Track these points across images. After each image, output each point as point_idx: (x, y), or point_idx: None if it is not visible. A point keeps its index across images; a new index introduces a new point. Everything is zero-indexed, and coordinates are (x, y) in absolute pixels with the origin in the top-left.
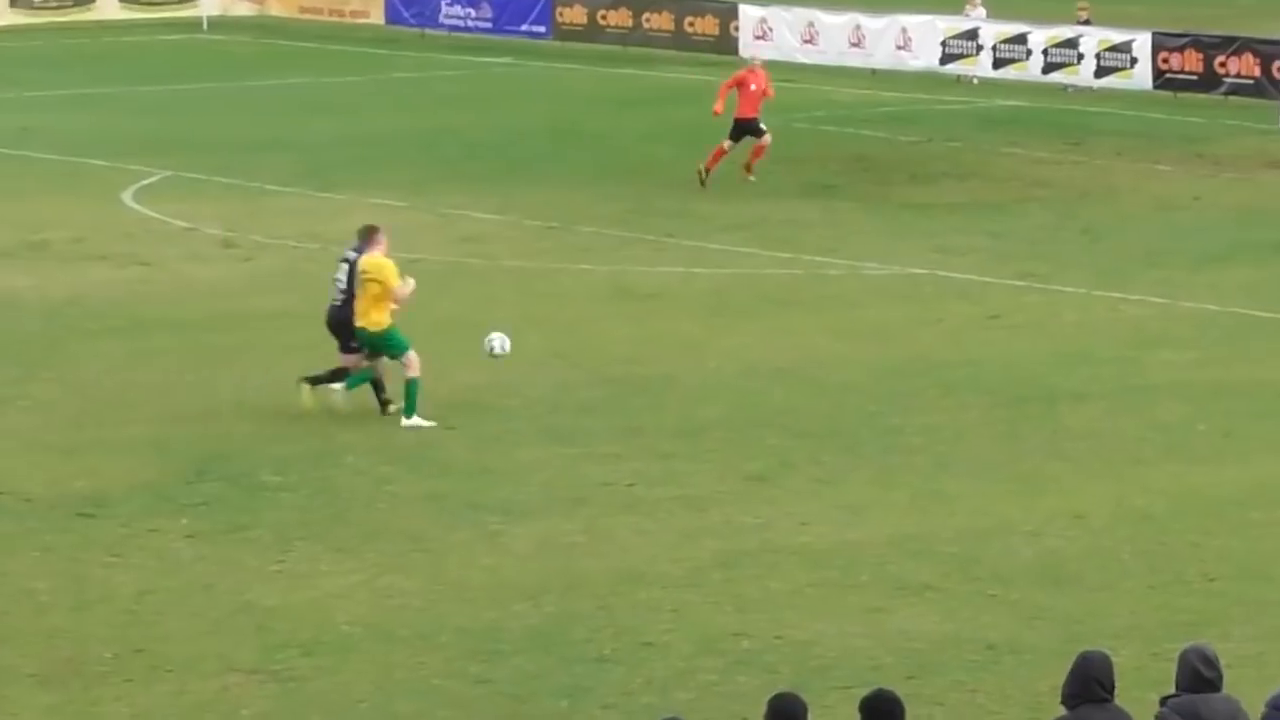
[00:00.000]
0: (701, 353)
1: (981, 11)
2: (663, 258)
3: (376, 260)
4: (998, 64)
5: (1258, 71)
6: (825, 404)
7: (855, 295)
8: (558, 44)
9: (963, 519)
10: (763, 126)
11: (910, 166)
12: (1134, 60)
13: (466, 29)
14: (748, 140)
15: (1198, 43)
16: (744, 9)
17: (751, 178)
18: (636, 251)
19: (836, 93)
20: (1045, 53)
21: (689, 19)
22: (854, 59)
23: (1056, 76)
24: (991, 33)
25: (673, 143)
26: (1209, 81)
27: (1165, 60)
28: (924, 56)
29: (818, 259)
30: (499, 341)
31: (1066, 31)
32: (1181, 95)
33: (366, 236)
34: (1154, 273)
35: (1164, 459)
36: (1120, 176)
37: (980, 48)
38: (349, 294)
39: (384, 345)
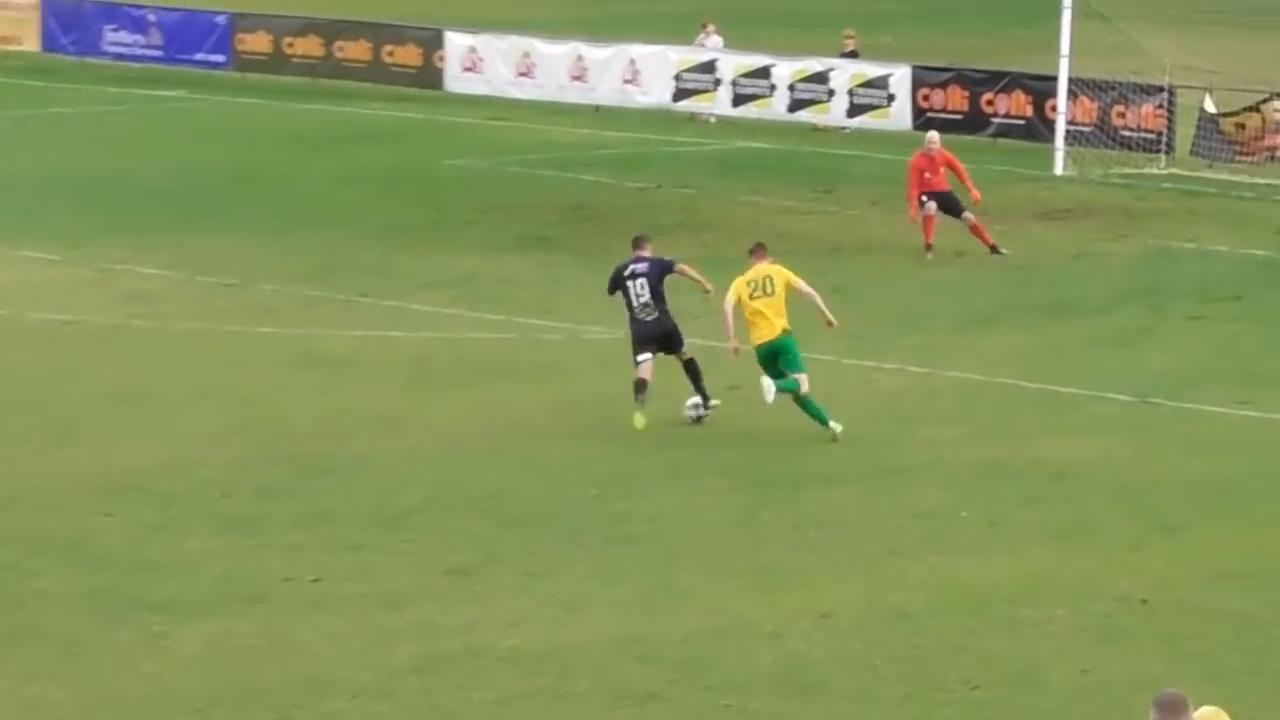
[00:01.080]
0: (400, 428)
1: (717, 40)
2: (357, 319)
3: None
4: (738, 100)
5: (1029, 111)
6: (540, 486)
7: (575, 363)
8: (238, 75)
9: (694, 618)
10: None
11: (638, 217)
12: (891, 97)
13: (134, 58)
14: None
15: (962, 78)
16: (450, 36)
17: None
18: (327, 312)
19: (555, 132)
20: (791, 88)
21: (388, 48)
22: (575, 94)
23: (804, 115)
24: (730, 65)
25: (368, 188)
26: (975, 122)
27: (926, 98)
28: (654, 92)
29: (533, 321)
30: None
31: (815, 64)
32: (945, 136)
33: None
34: (912, 338)
35: (922, 549)
36: (875, 228)
37: (718, 82)
38: None
39: None
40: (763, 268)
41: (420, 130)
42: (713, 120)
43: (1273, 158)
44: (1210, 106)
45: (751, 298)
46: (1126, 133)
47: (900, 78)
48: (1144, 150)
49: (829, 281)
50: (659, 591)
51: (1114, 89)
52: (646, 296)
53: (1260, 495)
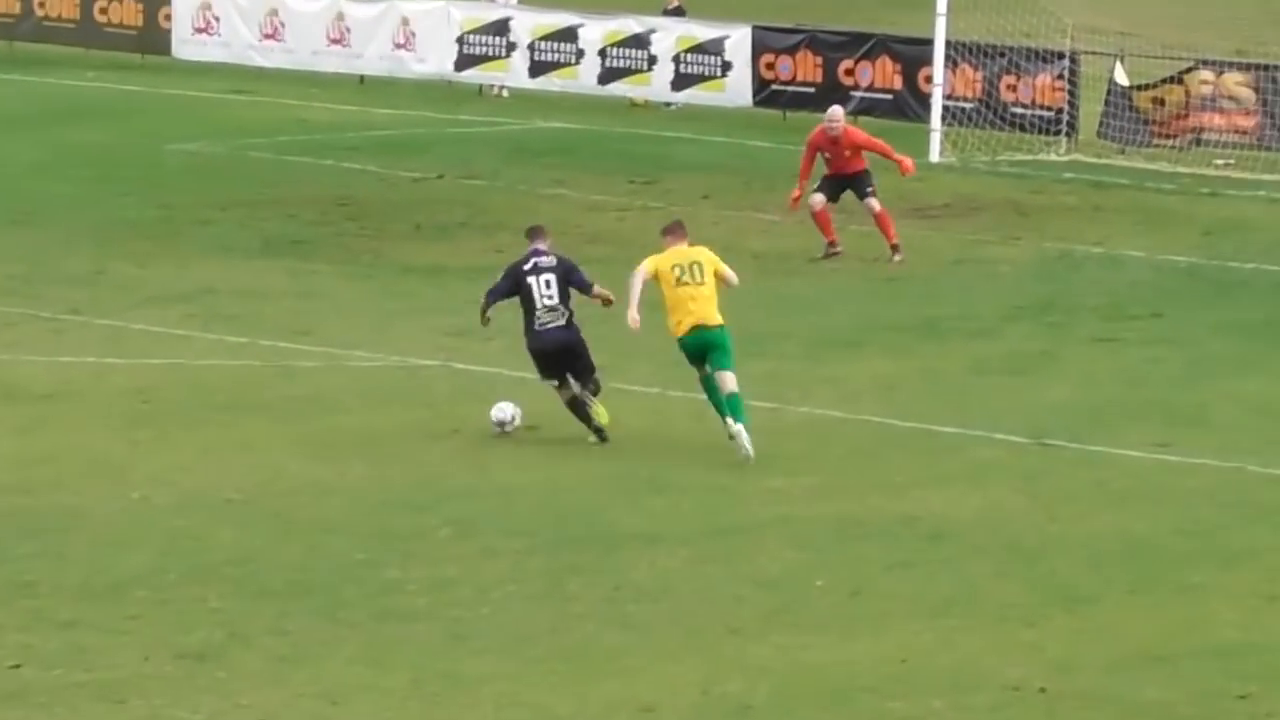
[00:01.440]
0: (120, 478)
1: None
2: (64, 343)
3: None
4: (536, 70)
5: (898, 83)
6: (294, 550)
7: (336, 396)
8: None
9: (486, 712)
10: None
11: (414, 214)
12: (726, 65)
13: None
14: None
15: (815, 42)
16: None
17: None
18: (26, 334)
19: (310, 109)
20: (603, 54)
21: (100, 4)
22: (335, 61)
23: (619, 88)
24: (527, 26)
25: (77, 178)
26: (831, 96)
27: (770, 66)
28: (432, 59)
29: (283, 345)
30: (508, 412)
31: (632, 25)
32: (794, 115)
33: None
34: (756, 365)
35: (767, 627)
36: (709, 228)
37: (511, 46)
38: None
39: None
40: (685, 250)
41: (142, 106)
42: (505, 94)
43: (1198, 141)
44: (1122, 78)
45: (678, 283)
46: (1018, 110)
47: (738, 41)
48: (1040, 131)
49: (653, 294)
50: (442, 679)
51: (1003, 55)
52: (554, 298)
53: (1183, 559)
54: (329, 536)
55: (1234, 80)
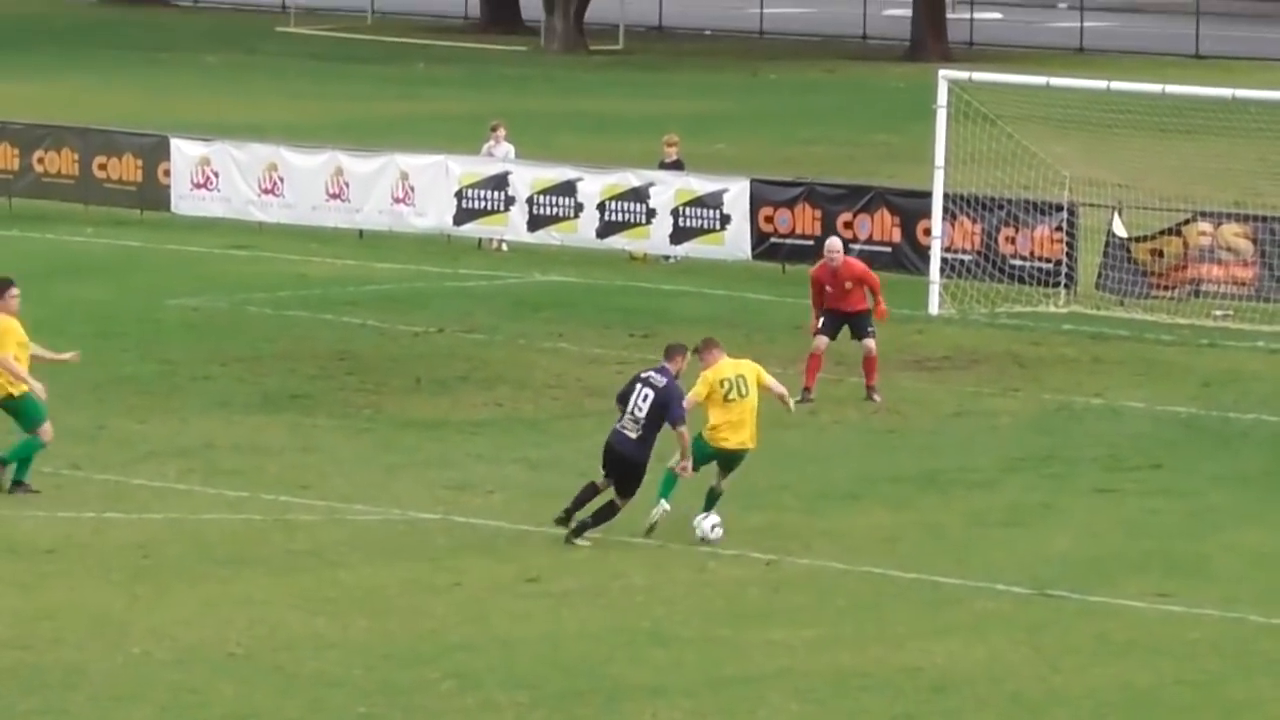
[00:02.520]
0: (121, 632)
1: (508, 148)
2: (64, 498)
3: None
4: (535, 223)
5: (897, 235)
6: (296, 705)
7: (336, 549)
8: None
9: None
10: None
11: (413, 368)
12: (725, 218)
13: None
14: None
15: (814, 195)
16: (177, 145)
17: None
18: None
19: (309, 264)
20: (601, 208)
21: (99, 159)
22: (334, 215)
23: (617, 241)
24: (526, 179)
25: (77, 334)
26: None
27: (769, 219)
28: (431, 213)
29: (284, 499)
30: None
31: (630, 178)
32: (793, 267)
33: None
34: (756, 516)
35: None
36: None
37: (510, 200)
38: None
39: None
40: (731, 364)
41: (142, 262)
42: (505, 248)
43: (1196, 292)
44: (1120, 229)
45: (726, 399)
46: (1017, 262)
47: (736, 194)
48: (1039, 284)
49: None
50: None
51: (1001, 208)
52: (643, 412)
53: (1185, 710)
54: (331, 690)
55: (1232, 231)
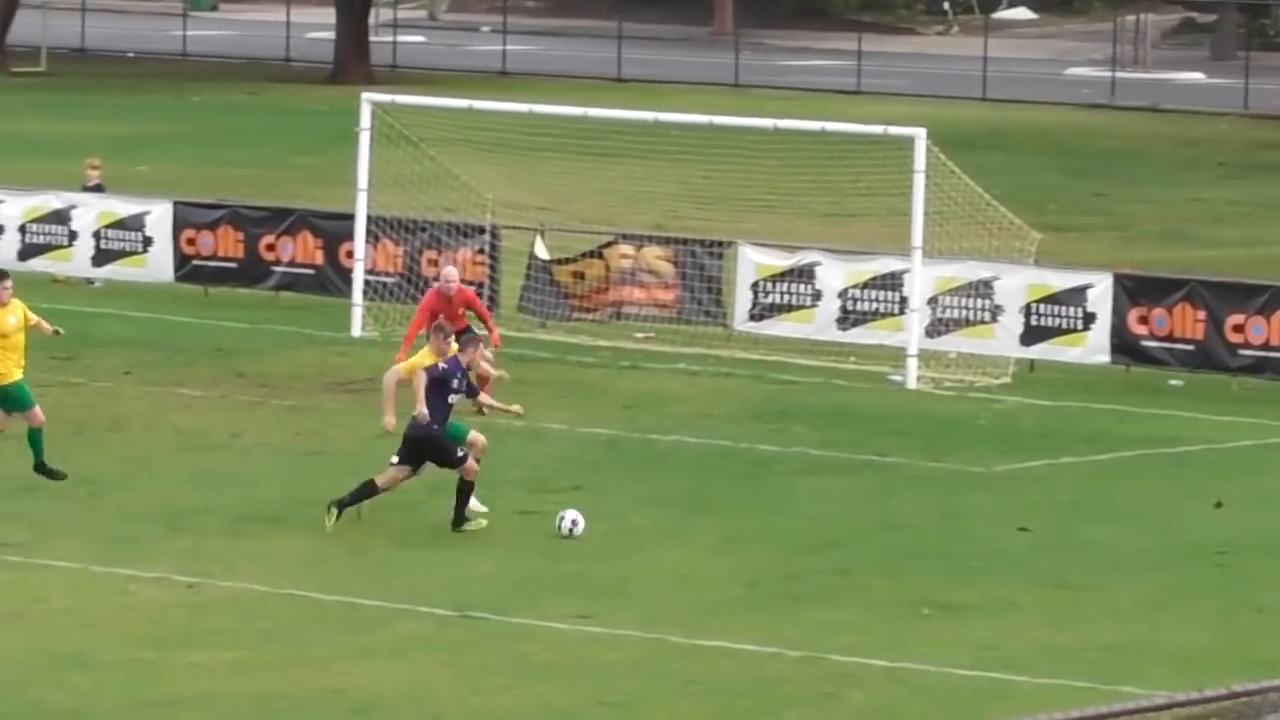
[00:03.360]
0: None
1: None
2: None
3: None
4: None
5: (320, 258)
6: None
7: None
8: None
9: None
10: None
11: None
12: (148, 241)
13: None
14: None
15: (237, 217)
16: None
17: None
18: None
19: None
20: (23, 230)
21: None
22: None
23: (41, 263)
24: None
25: None
26: (254, 271)
27: (191, 241)
28: None
29: None
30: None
31: (53, 200)
32: (216, 291)
33: None
34: (179, 540)
35: None
36: (130, 404)
37: None
38: None
39: None
40: None
41: None
42: None
43: (618, 315)
44: (542, 252)
45: None
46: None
47: (159, 217)
48: None
49: (74, 470)
50: None
51: (424, 230)
52: None
53: None
54: None
55: (654, 254)
